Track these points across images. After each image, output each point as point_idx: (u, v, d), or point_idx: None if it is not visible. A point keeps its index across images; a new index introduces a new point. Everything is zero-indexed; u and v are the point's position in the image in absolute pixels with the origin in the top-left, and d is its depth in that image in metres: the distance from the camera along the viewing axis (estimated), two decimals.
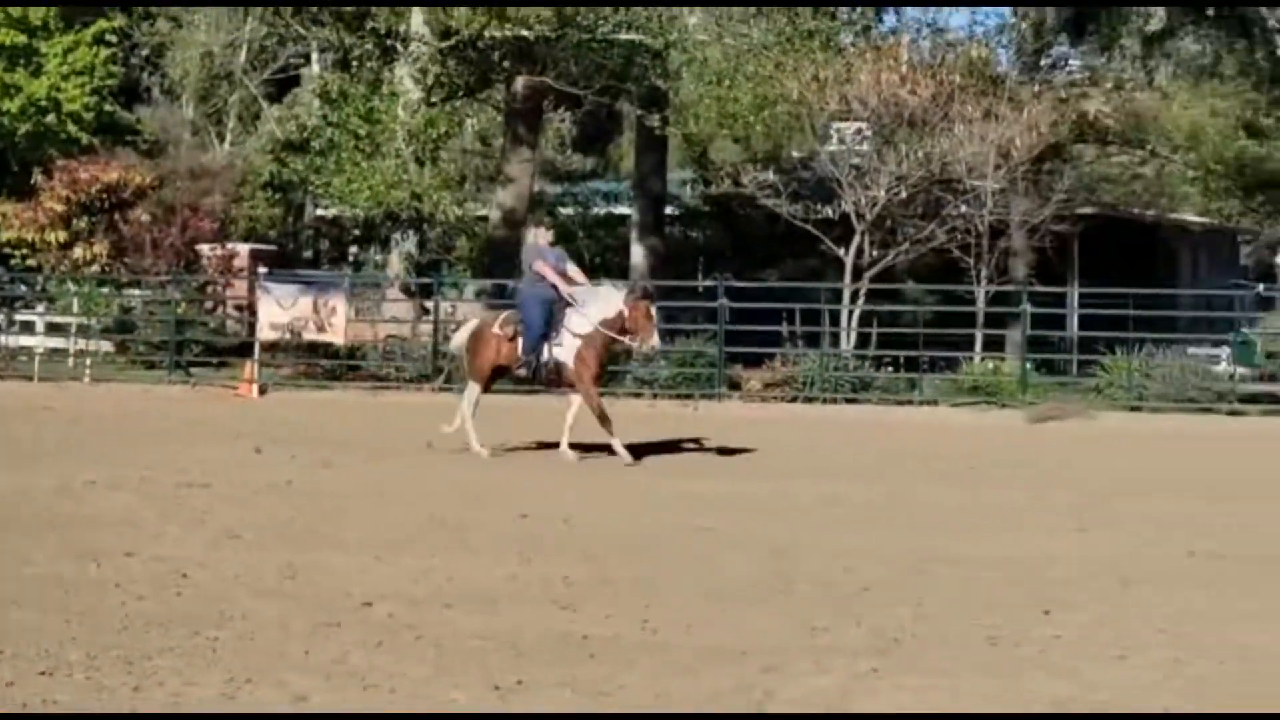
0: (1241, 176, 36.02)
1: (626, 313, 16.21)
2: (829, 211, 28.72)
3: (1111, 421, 22.99)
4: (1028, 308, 25.69)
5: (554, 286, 16.32)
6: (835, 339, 27.31)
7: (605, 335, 16.31)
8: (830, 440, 18.15)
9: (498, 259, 30.90)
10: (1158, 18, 25.81)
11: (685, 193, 36.27)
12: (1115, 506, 13.44)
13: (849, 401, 24.58)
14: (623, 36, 27.71)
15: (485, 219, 31.97)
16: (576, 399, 16.39)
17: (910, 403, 24.89)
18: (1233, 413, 24.08)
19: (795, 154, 31.80)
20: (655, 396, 24.72)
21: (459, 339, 17.68)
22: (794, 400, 24.84)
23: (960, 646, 7.62)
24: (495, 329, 16.85)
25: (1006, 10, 32.01)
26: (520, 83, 30.09)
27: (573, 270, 16.64)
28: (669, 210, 34.61)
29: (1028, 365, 25.33)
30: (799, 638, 7.79)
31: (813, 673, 7.02)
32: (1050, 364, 27.00)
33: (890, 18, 32.21)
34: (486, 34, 27.77)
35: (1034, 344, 26.09)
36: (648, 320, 16.18)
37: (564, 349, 16.33)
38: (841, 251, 27.89)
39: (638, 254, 32.76)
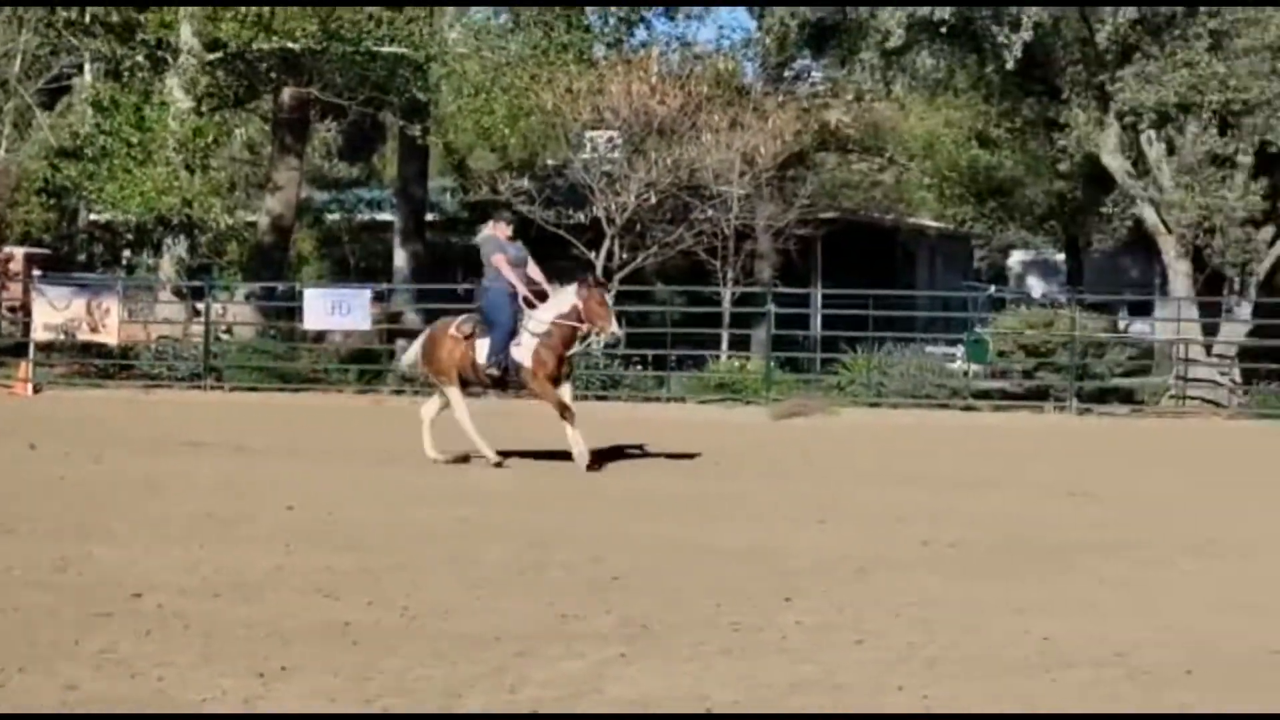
0: (974, 184, 37.15)
1: (581, 305, 15.58)
2: (581, 217, 29.20)
3: (852, 417, 23.49)
4: (772, 308, 26.19)
5: (511, 284, 15.78)
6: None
7: (563, 330, 15.67)
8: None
9: (266, 263, 30.92)
10: (896, 35, 26.70)
11: (446, 200, 36.55)
12: (854, 498, 13.74)
13: (599, 399, 24.73)
14: (386, 49, 27.82)
15: (254, 225, 31.87)
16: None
17: (658, 400, 25.30)
18: (967, 408, 24.81)
19: (550, 162, 32.26)
20: (416, 394, 24.91)
21: (408, 358, 17.05)
22: None
23: (705, 633, 7.80)
24: (452, 330, 16.14)
25: (752, 24, 32.81)
26: (287, 93, 30.04)
27: (533, 269, 16.06)
28: (430, 216, 34.75)
29: (772, 363, 25.76)
30: (551, 624, 7.97)
31: (564, 657, 7.18)
32: (794, 362, 27.28)
33: (641, 31, 32.77)
34: (254, 46, 27.71)
35: (778, 343, 26.54)
36: (603, 308, 15.60)
37: (522, 349, 15.72)
38: (593, 255, 28.35)
39: (401, 258, 33.09)
